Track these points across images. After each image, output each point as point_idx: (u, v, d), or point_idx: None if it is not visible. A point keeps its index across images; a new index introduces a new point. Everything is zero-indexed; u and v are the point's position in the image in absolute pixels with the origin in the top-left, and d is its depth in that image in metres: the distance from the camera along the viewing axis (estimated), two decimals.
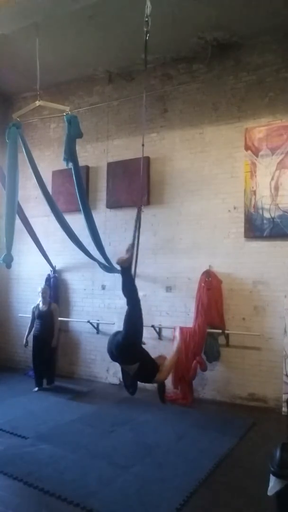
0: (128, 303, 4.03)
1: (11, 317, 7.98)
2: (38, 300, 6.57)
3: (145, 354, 4.07)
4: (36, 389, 6.33)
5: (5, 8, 4.82)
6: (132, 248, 4.03)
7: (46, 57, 6.03)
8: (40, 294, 6.54)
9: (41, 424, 4.84)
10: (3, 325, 8.05)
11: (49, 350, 6.43)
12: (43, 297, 6.53)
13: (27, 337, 6.53)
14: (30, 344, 6.51)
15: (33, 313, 6.53)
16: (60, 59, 6.64)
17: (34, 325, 6.47)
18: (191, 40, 6.03)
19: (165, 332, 6.39)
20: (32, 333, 6.49)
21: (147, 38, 4.12)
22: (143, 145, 4.52)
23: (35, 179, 5.77)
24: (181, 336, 5.54)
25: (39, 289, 6.63)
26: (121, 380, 4.21)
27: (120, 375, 6.67)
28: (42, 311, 6.48)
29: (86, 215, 5.98)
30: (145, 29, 4.08)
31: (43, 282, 7.23)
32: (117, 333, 4.06)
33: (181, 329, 5.79)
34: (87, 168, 7.18)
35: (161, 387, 4.16)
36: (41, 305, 6.52)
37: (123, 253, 3.95)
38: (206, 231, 6.19)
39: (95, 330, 7.02)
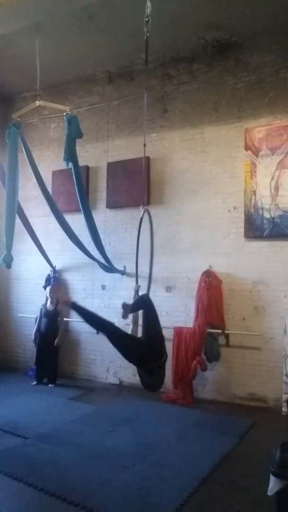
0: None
1: (11, 317, 7.97)
2: (48, 300, 6.73)
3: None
4: (35, 383, 6.58)
5: (5, 8, 4.82)
6: (127, 308, 4.13)
7: (46, 57, 6.03)
8: (48, 294, 6.71)
9: (41, 424, 4.83)
10: (3, 325, 8.05)
11: (52, 349, 6.61)
12: (51, 297, 6.68)
13: (35, 334, 6.76)
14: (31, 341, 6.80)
15: (41, 311, 6.75)
16: (60, 59, 6.63)
17: (41, 323, 6.69)
18: (191, 40, 6.03)
19: (165, 332, 6.34)
20: (38, 330, 6.71)
21: (147, 38, 4.12)
22: (144, 145, 4.52)
23: (35, 179, 5.78)
24: None
25: (47, 289, 6.81)
26: (121, 380, 4.20)
27: (120, 375, 6.71)
28: (49, 310, 6.67)
29: (86, 215, 5.99)
30: (145, 29, 4.08)
31: (43, 282, 7.26)
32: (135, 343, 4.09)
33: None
34: (87, 168, 7.17)
35: None
36: (48, 304, 6.69)
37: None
38: (206, 231, 6.19)
39: (95, 330, 6.99)
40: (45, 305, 6.73)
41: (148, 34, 4.11)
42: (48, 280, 7.27)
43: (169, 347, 5.82)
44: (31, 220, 6.78)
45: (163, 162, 6.60)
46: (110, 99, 7.14)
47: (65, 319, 6.83)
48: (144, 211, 4.47)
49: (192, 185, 6.34)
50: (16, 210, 5.54)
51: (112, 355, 6.83)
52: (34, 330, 6.78)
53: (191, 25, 5.69)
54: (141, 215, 4.47)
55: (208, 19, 5.54)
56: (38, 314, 6.79)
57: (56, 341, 6.56)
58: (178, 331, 6.03)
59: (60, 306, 6.76)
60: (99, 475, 3.57)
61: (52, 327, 6.60)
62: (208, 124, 6.28)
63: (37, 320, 6.78)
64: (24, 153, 5.53)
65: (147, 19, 4.05)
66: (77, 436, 4.48)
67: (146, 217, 4.64)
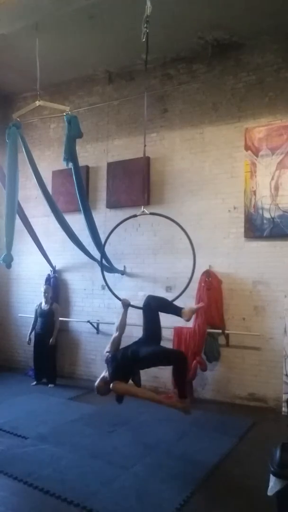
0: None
1: (11, 317, 7.97)
2: (42, 299, 6.74)
3: None
4: (35, 383, 6.63)
5: (5, 8, 4.82)
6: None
7: (46, 57, 6.03)
8: (43, 293, 6.73)
9: (41, 424, 4.84)
10: (3, 325, 8.05)
11: (49, 348, 6.62)
12: (45, 297, 6.70)
13: (30, 335, 6.80)
14: (32, 342, 6.81)
15: (36, 311, 6.78)
16: (60, 59, 6.63)
17: (37, 322, 6.74)
18: (191, 40, 6.03)
19: (164, 332, 6.34)
20: (34, 331, 6.76)
21: (147, 38, 4.12)
22: (145, 145, 4.52)
23: (35, 179, 5.78)
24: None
25: (42, 288, 6.82)
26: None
27: None
28: (44, 310, 6.69)
29: (86, 215, 5.99)
30: (146, 30, 4.08)
31: (43, 282, 7.27)
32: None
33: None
34: (87, 168, 7.17)
35: None
36: (43, 304, 6.72)
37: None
38: (206, 231, 6.19)
39: (95, 330, 7.02)
40: (40, 305, 6.75)
41: (148, 35, 4.11)
42: (48, 280, 7.27)
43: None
44: (31, 220, 6.78)
45: (163, 162, 6.60)
46: (110, 99, 7.14)
47: (60, 318, 6.83)
48: (142, 212, 4.48)
49: (192, 185, 6.34)
50: (16, 210, 5.55)
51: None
52: (29, 332, 6.79)
53: (191, 25, 5.69)
54: (138, 215, 4.47)
55: (208, 19, 5.54)
56: (34, 314, 6.81)
57: (51, 340, 6.57)
58: (178, 331, 6.03)
59: (55, 305, 6.77)
60: (99, 475, 3.57)
61: (47, 327, 6.62)
62: (208, 124, 6.28)
63: (33, 320, 6.81)
64: (24, 153, 5.53)
65: (147, 20, 4.04)
66: (77, 436, 4.49)
67: (149, 219, 4.67)
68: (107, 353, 4.02)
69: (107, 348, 4.10)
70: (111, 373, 3.86)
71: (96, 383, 3.97)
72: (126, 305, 4.37)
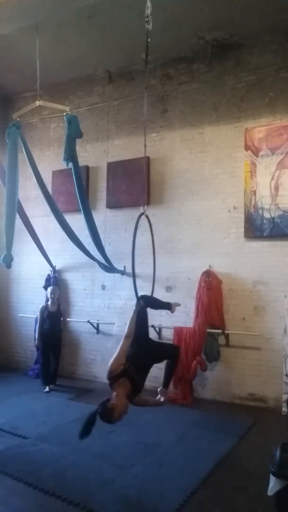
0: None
1: (11, 317, 7.98)
2: (48, 301, 6.55)
3: None
4: (47, 388, 6.31)
5: (5, 8, 4.82)
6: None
7: (46, 57, 6.03)
8: (50, 295, 6.55)
9: (41, 424, 4.84)
10: (3, 325, 8.05)
11: (58, 349, 6.55)
12: (52, 298, 6.55)
13: (38, 339, 6.55)
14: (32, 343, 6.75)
15: (42, 313, 6.51)
16: (60, 59, 6.64)
17: (44, 325, 6.46)
18: (191, 40, 6.03)
19: (165, 332, 6.38)
20: (41, 334, 6.49)
21: (148, 38, 4.11)
22: (145, 145, 4.51)
23: (35, 179, 5.78)
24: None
25: (49, 290, 6.64)
26: None
27: None
28: (51, 311, 6.51)
29: (86, 215, 5.99)
30: (146, 30, 4.07)
31: (43, 282, 7.26)
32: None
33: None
34: (87, 168, 7.18)
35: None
36: (50, 305, 6.53)
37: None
38: (206, 231, 6.19)
39: (95, 330, 7.02)
40: (46, 307, 6.54)
41: (148, 35, 4.10)
42: (48, 280, 7.26)
43: None
44: (31, 220, 6.77)
45: (163, 162, 6.60)
46: (110, 99, 7.14)
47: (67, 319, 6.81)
48: (142, 214, 4.45)
49: (192, 185, 6.35)
50: (16, 210, 5.55)
51: (112, 355, 6.84)
52: (37, 335, 6.55)
53: (191, 25, 5.69)
54: (139, 216, 4.44)
55: (208, 19, 5.54)
56: (39, 317, 6.52)
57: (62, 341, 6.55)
58: (178, 331, 6.03)
59: (63, 306, 6.72)
60: (99, 475, 3.57)
61: (55, 328, 6.48)
62: (208, 124, 6.28)
63: (39, 323, 6.54)
64: (24, 153, 5.53)
65: (147, 19, 4.04)
66: (77, 436, 4.47)
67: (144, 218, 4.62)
68: (121, 366, 3.27)
69: (120, 359, 3.33)
70: (140, 386, 3.34)
71: (118, 409, 3.04)
72: (142, 305, 3.86)
